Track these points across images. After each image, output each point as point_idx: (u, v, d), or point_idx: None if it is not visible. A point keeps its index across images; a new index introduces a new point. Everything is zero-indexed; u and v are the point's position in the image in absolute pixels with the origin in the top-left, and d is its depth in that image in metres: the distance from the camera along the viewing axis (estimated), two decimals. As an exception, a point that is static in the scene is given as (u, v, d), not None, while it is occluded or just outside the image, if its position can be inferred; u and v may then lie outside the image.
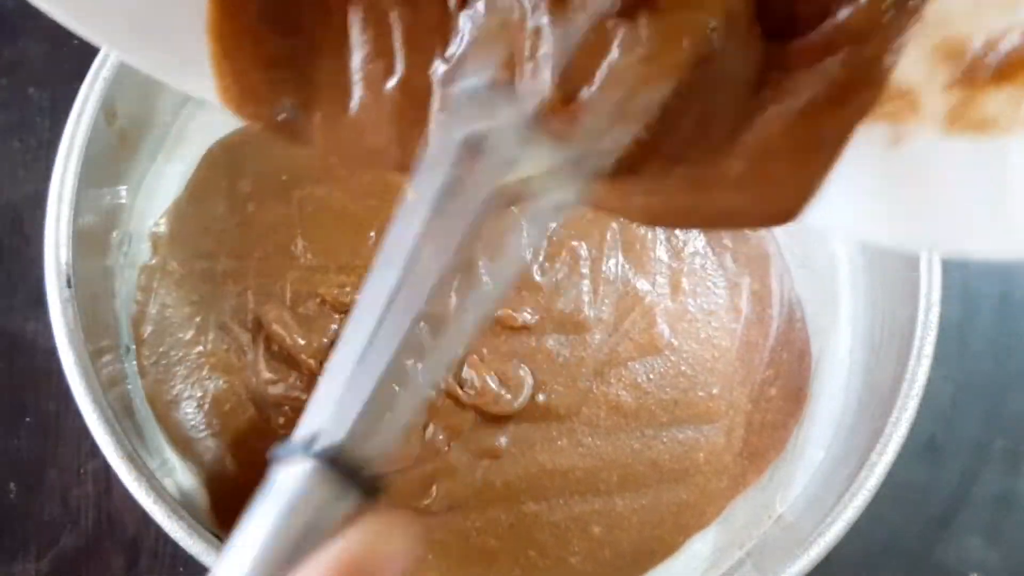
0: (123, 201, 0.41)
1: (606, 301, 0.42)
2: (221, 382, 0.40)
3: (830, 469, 0.39)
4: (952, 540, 0.43)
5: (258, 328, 0.40)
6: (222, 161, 0.43)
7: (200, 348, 0.40)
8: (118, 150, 0.39)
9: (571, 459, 0.40)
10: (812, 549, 0.34)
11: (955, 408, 0.44)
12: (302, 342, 0.40)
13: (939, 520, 0.43)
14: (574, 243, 0.43)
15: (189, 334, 0.40)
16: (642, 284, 0.43)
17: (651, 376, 0.41)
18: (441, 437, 0.40)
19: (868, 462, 0.34)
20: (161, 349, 0.40)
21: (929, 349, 0.36)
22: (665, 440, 0.41)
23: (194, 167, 0.43)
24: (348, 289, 0.41)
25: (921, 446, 0.44)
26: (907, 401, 0.35)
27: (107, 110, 0.37)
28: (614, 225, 0.43)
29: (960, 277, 0.46)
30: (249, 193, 0.42)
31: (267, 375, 0.40)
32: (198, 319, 0.40)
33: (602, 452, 0.40)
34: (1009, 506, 0.44)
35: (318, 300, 0.41)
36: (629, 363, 0.41)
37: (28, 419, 0.42)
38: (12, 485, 0.41)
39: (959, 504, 0.43)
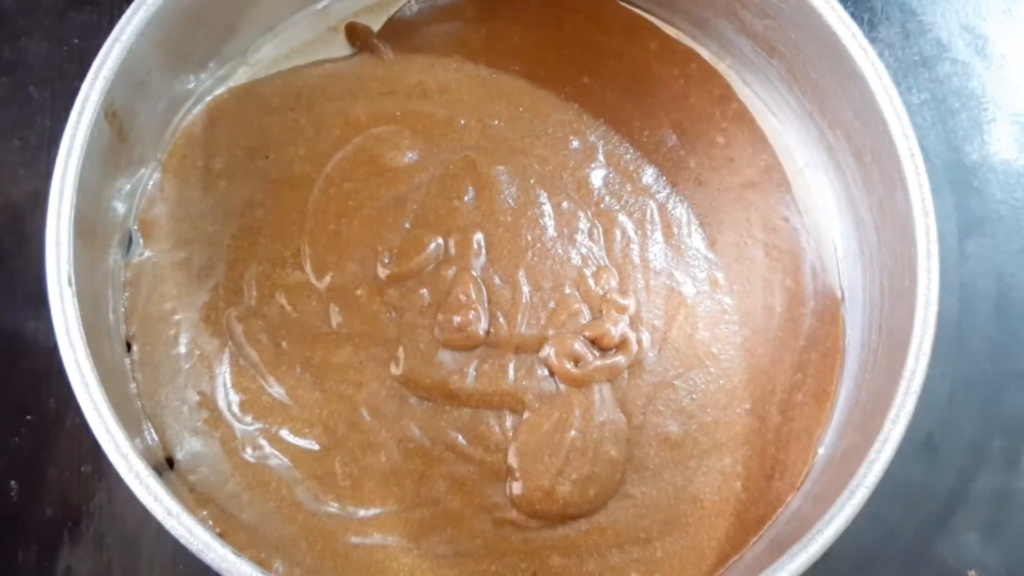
0: (123, 199, 0.41)
1: (656, 303, 0.42)
2: (195, 395, 0.39)
3: (830, 467, 0.39)
4: (950, 537, 0.43)
5: (229, 334, 0.40)
6: (199, 139, 0.43)
7: (177, 351, 0.40)
8: (118, 148, 0.39)
9: (613, 514, 0.39)
10: (811, 545, 0.33)
11: (953, 407, 0.44)
12: (270, 378, 0.40)
13: (937, 518, 0.43)
14: (622, 217, 0.43)
15: (169, 333, 0.40)
16: (682, 277, 0.42)
17: (695, 396, 0.41)
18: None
19: (867, 459, 0.34)
20: (148, 348, 0.40)
21: (927, 347, 0.35)
22: (706, 471, 0.40)
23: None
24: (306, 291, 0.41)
25: (919, 444, 0.44)
26: (906, 399, 0.35)
27: (107, 109, 0.37)
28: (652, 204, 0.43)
29: (958, 277, 0.46)
30: (221, 170, 0.42)
31: (233, 396, 0.39)
32: (176, 317, 0.40)
33: (647, 499, 0.40)
34: (1006, 504, 0.44)
35: (283, 300, 0.40)
36: (676, 381, 0.41)
37: (29, 417, 0.42)
38: (13, 483, 0.41)
39: (957, 502, 0.44)
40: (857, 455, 0.35)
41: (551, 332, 0.41)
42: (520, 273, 0.41)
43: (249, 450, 0.39)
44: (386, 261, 0.41)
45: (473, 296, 0.40)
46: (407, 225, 0.42)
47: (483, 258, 0.41)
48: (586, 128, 0.44)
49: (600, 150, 0.44)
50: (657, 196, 0.43)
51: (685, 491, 0.40)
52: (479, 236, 0.42)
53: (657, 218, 0.43)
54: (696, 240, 0.43)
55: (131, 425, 0.36)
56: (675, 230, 0.43)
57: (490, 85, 0.44)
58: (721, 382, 0.41)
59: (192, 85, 0.42)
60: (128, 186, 0.41)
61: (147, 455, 0.36)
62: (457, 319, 0.40)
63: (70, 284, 0.34)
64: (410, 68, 0.44)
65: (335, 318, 0.40)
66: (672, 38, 0.45)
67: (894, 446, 0.35)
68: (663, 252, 0.42)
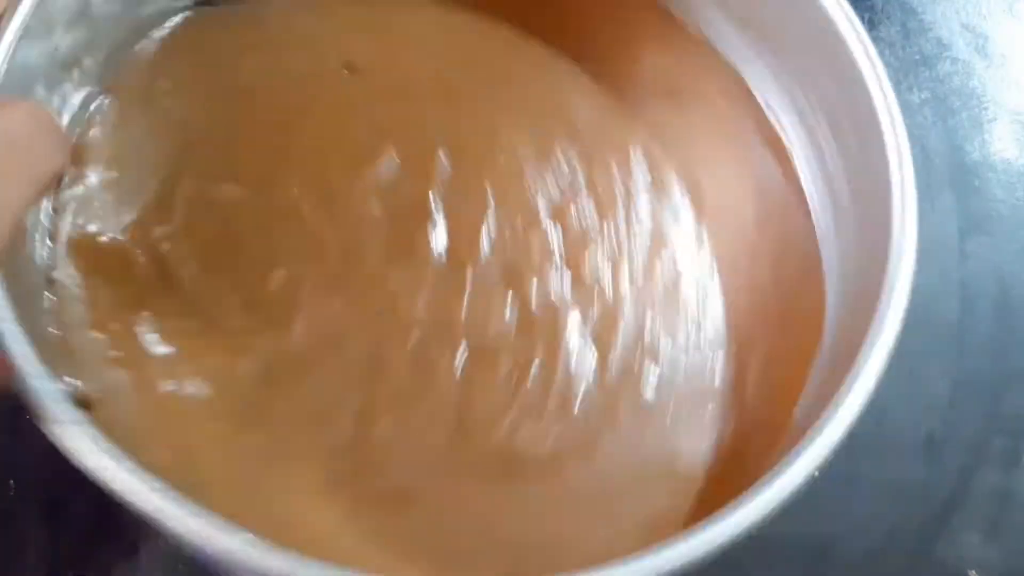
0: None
1: (640, 237, 0.39)
2: (116, 324, 0.34)
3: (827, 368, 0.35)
4: (950, 537, 0.43)
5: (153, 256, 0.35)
6: (149, 62, 0.38)
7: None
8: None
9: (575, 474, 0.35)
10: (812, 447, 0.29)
11: (953, 406, 0.44)
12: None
13: (937, 517, 0.43)
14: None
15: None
16: (664, 212, 0.39)
17: (674, 339, 0.37)
18: None
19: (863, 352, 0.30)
20: (68, 278, 0.35)
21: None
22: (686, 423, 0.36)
23: None
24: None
25: (919, 444, 0.44)
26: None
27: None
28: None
29: (958, 276, 0.46)
30: (166, 89, 0.38)
31: (154, 324, 0.34)
32: (102, 239, 0.36)
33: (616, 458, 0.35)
34: (1008, 504, 0.44)
35: (216, 218, 0.36)
36: (651, 324, 0.37)
37: (28, 416, 0.42)
38: (12, 483, 0.41)
39: (957, 502, 0.43)
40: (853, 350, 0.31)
41: (517, 255, 0.37)
42: (488, 189, 0.37)
43: (165, 382, 0.33)
44: (335, 172, 0.37)
45: (433, 210, 0.36)
46: (361, 135, 0.38)
47: (445, 172, 0.37)
48: (572, 56, 0.41)
49: (588, 81, 0.41)
50: (645, 138, 0.40)
51: (660, 451, 0.36)
52: (445, 147, 0.38)
53: (643, 159, 0.40)
54: (683, 184, 0.40)
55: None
56: (663, 174, 0.40)
57: None
58: (706, 329, 0.38)
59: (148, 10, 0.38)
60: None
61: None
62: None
63: None
64: None
65: (273, 236, 0.36)
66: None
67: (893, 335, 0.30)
68: (647, 192, 0.40)
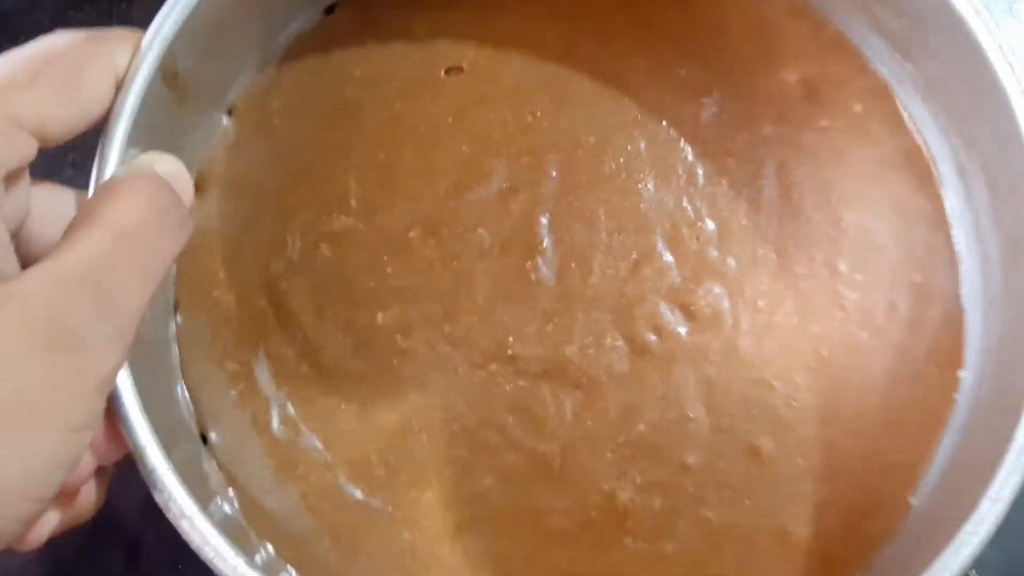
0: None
1: (762, 278, 0.34)
2: (234, 364, 0.35)
3: (935, 503, 0.33)
4: (950, 537, 0.43)
5: (269, 293, 0.35)
6: (265, 86, 0.37)
7: (217, 315, 0.35)
8: (176, 114, 0.33)
9: (682, 538, 0.33)
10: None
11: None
12: None
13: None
14: (731, 164, 0.35)
15: (213, 295, 0.35)
16: (796, 252, 0.34)
17: (795, 403, 0.33)
18: None
19: (977, 512, 0.28)
20: (190, 314, 0.35)
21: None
22: (798, 499, 0.32)
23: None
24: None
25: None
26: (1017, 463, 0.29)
27: (167, 69, 0.31)
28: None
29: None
30: (277, 108, 0.36)
31: (269, 365, 0.35)
32: (220, 275, 0.36)
33: (725, 524, 0.33)
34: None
35: (328, 252, 0.35)
36: (775, 381, 0.33)
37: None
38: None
39: (957, 502, 0.43)
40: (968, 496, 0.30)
41: (630, 288, 0.34)
42: (600, 210, 0.35)
43: (280, 427, 0.34)
44: (441, 193, 0.35)
45: (542, 235, 0.34)
46: (465, 148, 0.35)
47: (554, 188, 0.35)
48: (697, 59, 0.36)
49: (714, 85, 0.36)
50: (778, 152, 0.35)
51: (772, 520, 0.33)
52: (554, 158, 0.35)
53: (774, 176, 0.35)
54: (819, 213, 0.35)
55: (165, 405, 0.33)
56: (795, 195, 0.35)
57: None
58: (829, 391, 0.34)
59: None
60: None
61: (180, 428, 0.33)
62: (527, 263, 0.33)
63: None
64: None
65: (383, 269, 0.35)
66: (805, 1, 0.37)
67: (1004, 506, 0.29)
68: (777, 218, 0.35)
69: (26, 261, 0.26)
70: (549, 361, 0.34)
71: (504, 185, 0.35)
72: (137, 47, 0.30)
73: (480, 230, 0.35)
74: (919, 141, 0.36)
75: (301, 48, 0.37)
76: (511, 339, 0.34)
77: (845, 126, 0.36)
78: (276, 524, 0.33)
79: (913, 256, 0.35)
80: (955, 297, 0.35)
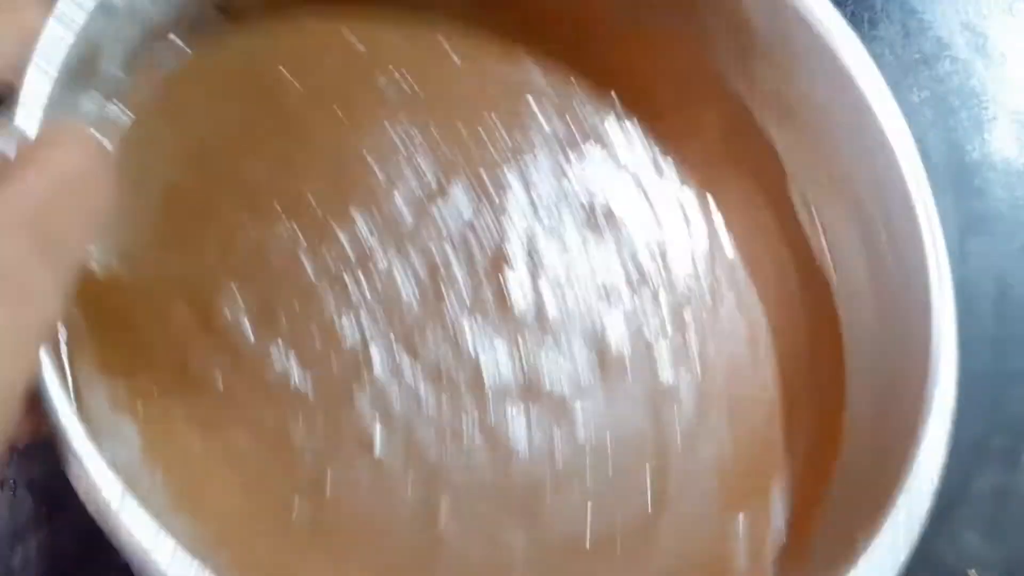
0: None
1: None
2: None
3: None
4: (950, 536, 0.43)
5: None
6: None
7: None
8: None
9: None
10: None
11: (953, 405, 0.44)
12: None
13: (937, 516, 0.43)
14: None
15: None
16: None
17: None
18: None
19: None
20: None
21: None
22: None
23: None
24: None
25: (919, 443, 0.44)
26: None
27: None
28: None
29: (958, 274, 0.46)
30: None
31: None
32: None
33: None
34: (1007, 503, 0.44)
35: None
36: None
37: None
38: (12, 482, 0.41)
39: (957, 501, 0.43)
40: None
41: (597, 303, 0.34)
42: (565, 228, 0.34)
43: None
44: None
45: (509, 253, 0.34)
46: None
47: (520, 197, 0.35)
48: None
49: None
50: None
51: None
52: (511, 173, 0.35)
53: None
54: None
55: None
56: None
57: None
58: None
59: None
60: None
61: None
62: None
63: None
64: None
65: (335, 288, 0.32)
66: None
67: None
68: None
69: None
70: (518, 387, 0.32)
71: (468, 200, 0.34)
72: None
73: (444, 245, 0.33)
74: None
75: (213, 36, 0.33)
76: (483, 363, 0.32)
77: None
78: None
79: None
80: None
